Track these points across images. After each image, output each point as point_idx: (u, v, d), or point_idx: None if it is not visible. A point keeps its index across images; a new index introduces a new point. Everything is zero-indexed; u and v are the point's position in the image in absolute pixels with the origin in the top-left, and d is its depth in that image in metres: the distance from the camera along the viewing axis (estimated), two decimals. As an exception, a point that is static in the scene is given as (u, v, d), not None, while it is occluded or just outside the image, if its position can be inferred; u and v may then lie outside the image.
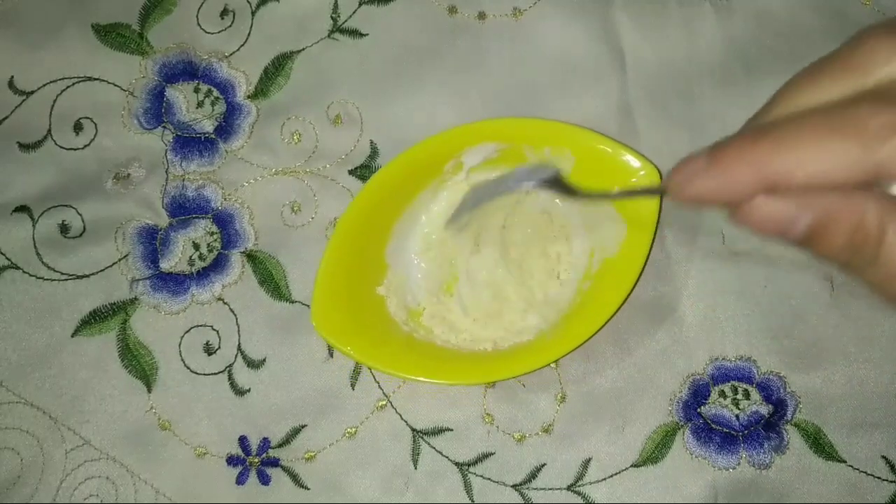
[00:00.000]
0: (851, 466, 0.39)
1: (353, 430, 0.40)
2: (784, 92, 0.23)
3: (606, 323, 0.37)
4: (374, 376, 0.40)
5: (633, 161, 0.38)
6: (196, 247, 0.42)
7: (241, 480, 0.40)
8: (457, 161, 0.40)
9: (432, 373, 0.37)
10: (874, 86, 0.21)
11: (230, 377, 0.40)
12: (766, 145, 0.21)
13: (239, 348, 0.41)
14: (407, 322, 0.39)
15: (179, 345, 0.41)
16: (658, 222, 0.38)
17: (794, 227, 0.22)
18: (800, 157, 0.20)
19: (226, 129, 0.43)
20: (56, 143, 0.43)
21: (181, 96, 0.43)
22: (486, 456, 0.40)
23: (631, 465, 0.39)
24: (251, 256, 0.42)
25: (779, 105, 0.23)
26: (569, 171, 0.39)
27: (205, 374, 0.41)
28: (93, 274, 0.41)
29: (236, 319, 0.41)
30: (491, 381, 0.40)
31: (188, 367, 0.41)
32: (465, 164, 0.40)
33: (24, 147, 0.43)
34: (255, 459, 0.40)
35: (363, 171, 0.42)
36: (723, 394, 0.40)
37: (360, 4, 0.44)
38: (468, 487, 0.39)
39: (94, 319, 0.41)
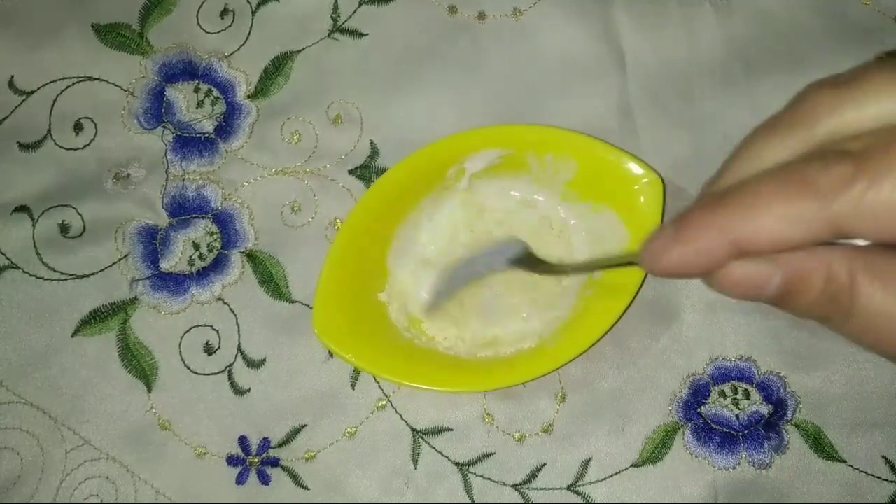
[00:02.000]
0: (851, 466, 0.39)
1: (353, 430, 0.40)
2: (739, 152, 0.24)
3: (608, 331, 0.37)
4: (374, 376, 0.40)
5: (636, 168, 0.38)
6: (196, 247, 0.42)
7: (241, 480, 0.40)
8: (459, 167, 0.40)
9: (433, 380, 0.37)
10: (821, 140, 0.22)
11: (230, 377, 0.40)
12: (727, 212, 0.22)
13: (239, 348, 0.41)
14: (408, 329, 0.39)
15: (179, 345, 0.41)
16: None
17: (766, 287, 0.22)
18: (759, 221, 0.21)
19: (226, 128, 0.43)
20: (56, 143, 0.43)
21: (181, 96, 0.43)
22: (486, 456, 0.40)
23: (631, 465, 0.39)
24: (251, 256, 0.42)
25: (735, 166, 0.24)
26: (571, 178, 0.39)
27: (205, 374, 0.41)
28: (93, 274, 0.41)
29: (236, 319, 0.41)
30: (492, 390, 0.39)
31: (188, 367, 0.41)
32: (468, 171, 0.40)
33: (24, 147, 0.43)
34: (255, 459, 0.40)
35: (363, 171, 0.42)
36: (723, 394, 0.40)
37: (360, 4, 0.44)
38: (468, 487, 0.39)
39: (94, 319, 0.41)
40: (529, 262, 0.36)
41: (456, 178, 0.40)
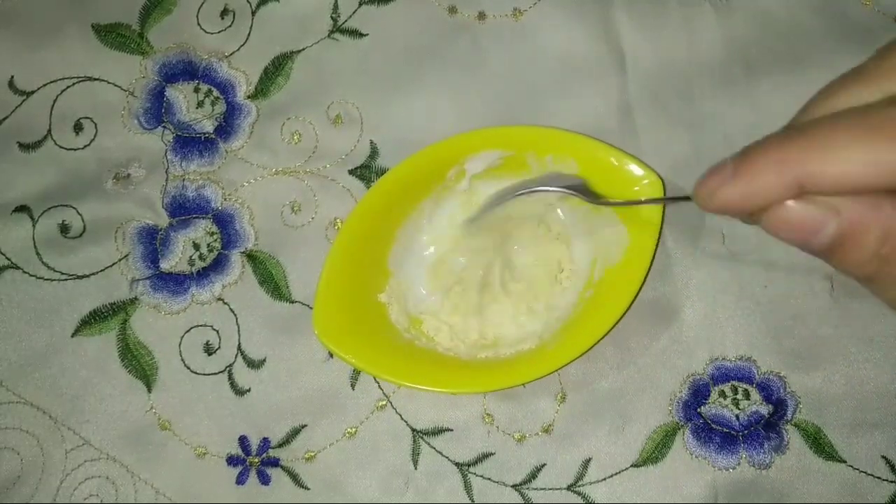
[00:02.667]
0: (851, 466, 0.39)
1: (353, 430, 0.40)
2: (816, 100, 0.23)
3: (608, 333, 0.37)
4: (374, 377, 0.40)
5: (637, 169, 0.38)
6: (196, 247, 0.42)
7: (241, 480, 0.40)
8: (459, 168, 0.40)
9: (433, 381, 0.37)
10: None
11: (230, 377, 0.40)
12: (795, 146, 0.21)
13: (239, 348, 0.41)
14: (408, 329, 0.39)
15: (179, 345, 0.41)
16: (661, 232, 0.38)
17: (819, 233, 0.21)
18: (829, 157, 0.20)
19: (226, 129, 0.43)
20: (56, 143, 0.43)
21: (181, 96, 0.43)
22: (486, 456, 0.40)
23: (631, 465, 0.39)
24: (251, 256, 0.42)
25: (810, 112, 0.23)
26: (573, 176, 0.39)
27: (205, 374, 0.41)
28: (93, 274, 0.41)
29: (236, 319, 0.41)
30: (492, 391, 0.39)
31: (188, 367, 0.41)
32: (468, 172, 0.40)
33: (24, 147, 0.43)
34: (255, 459, 0.40)
35: (363, 171, 0.42)
36: (723, 394, 0.40)
37: (360, 4, 0.44)
38: (468, 487, 0.39)
39: (94, 319, 0.41)
40: (582, 190, 0.36)
41: (456, 179, 0.40)
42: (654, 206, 0.37)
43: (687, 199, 0.26)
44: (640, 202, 0.37)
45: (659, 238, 0.38)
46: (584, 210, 0.40)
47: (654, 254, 0.38)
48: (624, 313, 0.37)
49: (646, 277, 0.38)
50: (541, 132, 0.39)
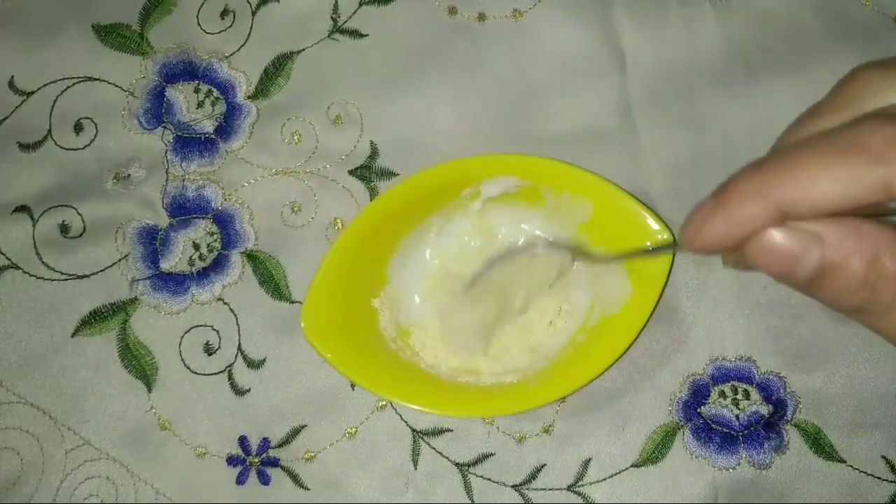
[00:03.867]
0: (851, 466, 0.39)
1: (353, 430, 0.40)
2: (786, 133, 0.23)
3: (591, 381, 0.37)
4: (349, 381, 0.40)
5: (653, 224, 0.37)
6: (196, 247, 0.42)
7: (241, 480, 0.40)
8: (475, 189, 0.39)
9: (409, 395, 0.37)
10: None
11: (230, 377, 0.40)
12: (771, 173, 0.20)
13: (239, 348, 0.41)
14: (395, 339, 0.39)
15: (179, 345, 0.41)
16: (664, 290, 0.37)
17: (803, 261, 0.21)
18: (806, 180, 0.20)
19: (226, 129, 0.43)
20: (56, 144, 0.43)
21: (181, 96, 0.43)
22: (486, 456, 0.40)
23: (631, 466, 0.39)
24: (251, 256, 0.42)
25: (782, 144, 0.23)
26: (585, 220, 0.39)
27: (205, 374, 0.41)
28: (93, 274, 0.41)
29: (236, 319, 0.41)
30: (463, 417, 0.39)
31: (188, 367, 0.41)
32: (483, 194, 0.39)
33: (25, 147, 0.43)
34: (255, 459, 0.40)
35: (363, 172, 0.42)
36: (723, 394, 0.40)
37: (360, 5, 0.44)
38: (468, 488, 0.39)
39: (94, 319, 0.41)
40: (576, 250, 0.36)
41: (471, 198, 0.40)
42: (662, 263, 0.37)
43: (671, 246, 0.25)
44: (622, 256, 0.36)
45: (662, 294, 0.37)
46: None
47: (655, 309, 0.37)
48: (611, 365, 0.37)
49: (638, 335, 0.37)
50: (563, 168, 0.38)
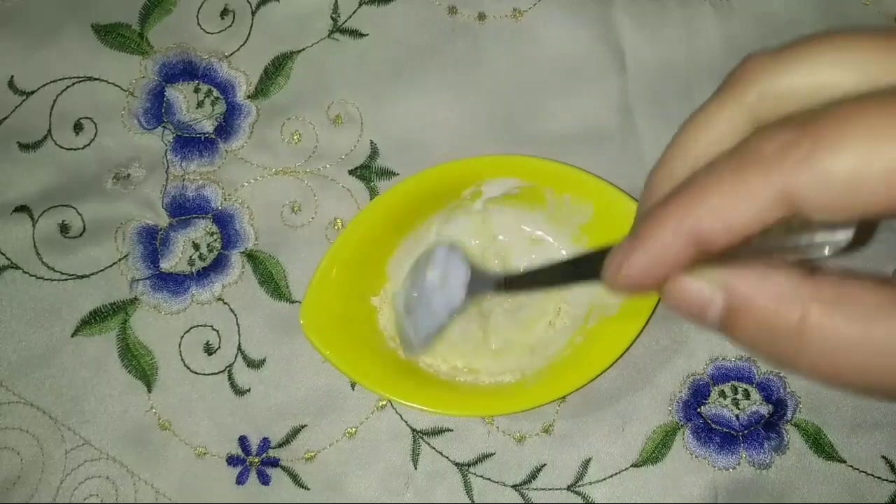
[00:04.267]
0: (851, 466, 0.39)
1: (353, 430, 0.40)
2: (672, 144, 0.23)
3: (590, 382, 0.37)
4: (349, 378, 0.40)
5: None
6: (196, 247, 0.42)
7: (241, 480, 0.40)
8: (476, 189, 0.39)
9: (406, 394, 0.37)
10: (754, 110, 0.21)
11: (230, 377, 0.40)
12: (680, 201, 0.20)
13: (239, 348, 0.41)
14: (394, 338, 0.39)
15: (179, 345, 0.41)
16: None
17: (709, 308, 0.21)
18: (712, 203, 0.20)
19: (226, 129, 0.43)
20: (56, 143, 0.43)
21: (181, 96, 0.43)
22: (486, 456, 0.40)
23: (631, 465, 0.39)
24: (251, 256, 0.42)
25: (669, 157, 0.23)
26: (586, 222, 0.39)
27: (205, 374, 0.41)
28: (93, 274, 0.41)
29: (236, 319, 0.41)
30: (461, 416, 0.39)
31: (188, 367, 0.41)
32: (485, 194, 0.39)
33: (24, 147, 0.43)
34: (255, 459, 0.40)
35: (363, 172, 0.42)
36: (723, 394, 0.40)
37: (360, 4, 0.44)
38: (468, 488, 0.39)
39: (94, 319, 0.41)
40: (481, 284, 0.32)
41: (471, 198, 0.40)
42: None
43: (595, 278, 0.24)
44: (551, 285, 0.31)
45: (659, 300, 0.37)
46: None
47: (653, 313, 0.37)
48: (608, 367, 0.37)
49: (639, 334, 0.37)
50: (564, 170, 0.38)
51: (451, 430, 0.40)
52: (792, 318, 0.19)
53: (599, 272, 0.24)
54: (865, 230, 0.22)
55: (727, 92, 0.22)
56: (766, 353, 0.21)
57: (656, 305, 0.37)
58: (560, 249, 0.40)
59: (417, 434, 0.40)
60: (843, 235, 0.22)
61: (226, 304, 0.41)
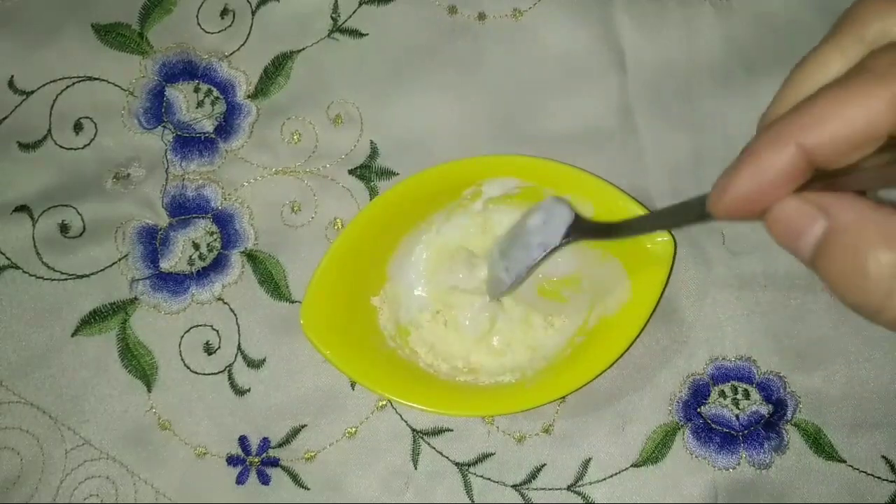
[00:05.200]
0: (851, 466, 0.39)
1: (353, 430, 0.40)
2: (792, 76, 0.23)
3: (588, 383, 0.37)
4: (349, 378, 0.40)
5: None
6: (196, 247, 0.42)
7: (241, 480, 0.40)
8: (476, 189, 0.39)
9: (406, 394, 0.37)
10: (870, 43, 0.21)
11: (230, 377, 0.40)
12: (785, 120, 0.20)
13: (239, 348, 0.41)
14: (394, 338, 0.39)
15: (179, 345, 0.41)
16: (663, 293, 0.37)
17: (807, 233, 0.21)
18: (822, 117, 0.20)
19: (226, 128, 0.43)
20: (56, 143, 0.43)
21: (181, 96, 0.43)
22: (486, 456, 0.40)
23: (631, 465, 0.39)
24: (251, 256, 0.42)
25: (788, 89, 0.23)
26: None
27: (205, 374, 0.41)
28: (93, 274, 0.41)
29: (236, 319, 0.41)
30: (461, 415, 0.39)
31: (188, 367, 0.41)
32: (485, 194, 0.39)
33: (24, 147, 0.43)
34: (255, 459, 0.40)
35: (363, 171, 0.42)
36: (723, 394, 0.40)
37: (360, 4, 0.44)
38: (468, 487, 0.39)
39: (94, 319, 0.41)
40: (582, 228, 0.34)
41: (472, 198, 0.40)
42: (663, 264, 0.37)
43: (701, 216, 0.24)
44: (640, 227, 0.35)
45: (660, 298, 0.37)
46: (592, 256, 0.39)
47: (653, 312, 0.37)
48: (608, 367, 0.37)
49: (637, 336, 0.37)
50: (564, 170, 0.38)
51: (451, 430, 0.40)
52: (885, 268, 0.19)
53: (700, 214, 0.24)
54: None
55: (842, 31, 0.22)
56: (852, 296, 0.20)
57: (656, 305, 0.37)
58: (561, 248, 0.40)
59: (417, 434, 0.40)
60: None
61: (226, 303, 0.41)
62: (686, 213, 0.27)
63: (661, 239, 0.37)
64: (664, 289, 0.37)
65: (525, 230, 0.36)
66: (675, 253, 0.37)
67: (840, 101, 0.20)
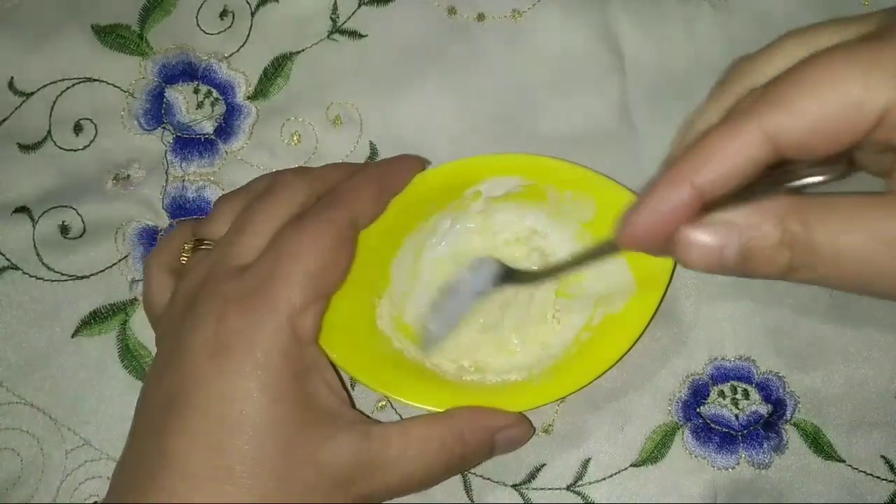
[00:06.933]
0: (850, 466, 0.39)
1: (353, 430, 0.40)
2: (686, 119, 0.27)
3: (595, 380, 0.37)
4: (354, 379, 0.40)
5: None
6: (196, 247, 0.42)
7: (240, 481, 0.40)
8: (478, 188, 0.39)
9: (415, 395, 0.36)
10: (738, 94, 0.25)
11: (230, 377, 0.40)
12: (674, 162, 0.24)
13: (239, 349, 0.41)
14: (399, 339, 0.39)
15: (179, 345, 0.41)
16: (668, 287, 0.37)
17: (726, 252, 0.24)
18: (702, 155, 0.23)
19: (225, 130, 0.43)
20: (56, 144, 0.43)
21: (181, 97, 0.43)
22: (485, 456, 0.40)
23: (630, 465, 0.39)
24: (251, 257, 0.42)
25: (685, 127, 0.27)
26: (589, 218, 0.39)
27: (205, 375, 0.40)
28: (93, 275, 0.41)
29: (236, 320, 0.41)
30: None
31: (188, 368, 0.41)
32: (487, 193, 0.39)
33: (24, 148, 0.43)
34: (254, 460, 0.40)
35: (363, 172, 0.42)
36: (722, 393, 0.40)
37: (359, 5, 0.45)
38: (467, 487, 0.39)
39: (93, 320, 0.41)
40: (511, 276, 0.36)
41: (473, 198, 0.40)
42: (665, 262, 0.37)
43: (612, 248, 0.29)
44: (577, 262, 0.35)
45: (665, 293, 0.37)
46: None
47: (658, 308, 0.37)
48: (615, 363, 0.37)
49: (644, 330, 0.37)
50: (565, 167, 0.38)
51: (451, 431, 0.40)
52: (799, 235, 0.22)
53: (613, 247, 0.28)
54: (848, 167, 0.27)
55: (719, 90, 0.26)
56: (785, 274, 0.24)
57: (661, 301, 0.37)
58: (563, 246, 0.40)
59: (417, 434, 0.40)
60: (827, 175, 0.24)
61: (225, 304, 0.41)
62: (602, 249, 0.31)
63: None
64: (669, 281, 0.37)
65: (456, 284, 0.38)
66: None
67: (720, 143, 0.23)
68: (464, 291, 0.37)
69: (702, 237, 0.24)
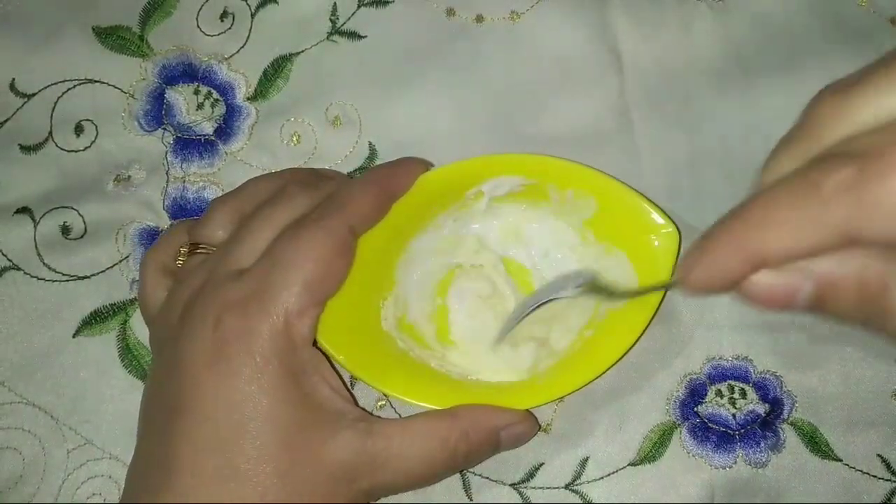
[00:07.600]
0: (847, 465, 0.39)
1: (353, 429, 0.40)
2: (763, 170, 0.24)
3: (600, 376, 0.37)
4: (363, 381, 0.40)
5: (658, 218, 0.37)
6: (196, 248, 0.42)
7: (241, 480, 0.40)
8: (479, 188, 0.39)
9: (420, 394, 0.36)
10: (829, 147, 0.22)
11: (230, 377, 0.41)
12: (740, 225, 0.22)
13: (239, 348, 0.41)
14: (404, 339, 0.39)
15: (180, 345, 0.41)
16: (669, 284, 0.37)
17: (797, 297, 0.22)
18: (770, 232, 0.21)
19: (225, 130, 0.43)
20: (57, 145, 0.43)
21: (181, 98, 0.44)
22: (484, 455, 0.40)
23: (628, 464, 0.39)
24: (251, 257, 0.42)
25: (765, 176, 0.24)
26: (590, 216, 0.39)
27: (205, 375, 0.41)
28: (94, 275, 0.42)
29: (236, 320, 0.41)
30: None
31: (189, 368, 0.41)
32: (489, 193, 0.39)
33: (26, 149, 0.43)
34: (255, 459, 0.40)
35: (362, 173, 0.43)
36: (719, 393, 0.40)
37: (358, 7, 0.45)
38: (466, 486, 0.39)
39: (94, 320, 0.41)
40: (596, 288, 0.36)
41: (475, 198, 0.40)
42: (668, 255, 0.37)
43: (670, 286, 0.29)
44: (641, 292, 0.36)
45: (667, 288, 0.37)
46: (599, 250, 0.39)
47: (661, 304, 0.37)
48: (619, 360, 0.37)
49: (647, 325, 0.37)
50: (567, 166, 0.38)
51: (450, 430, 0.40)
52: (878, 292, 0.21)
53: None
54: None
55: (804, 139, 0.23)
56: (857, 322, 0.23)
57: (664, 296, 0.37)
58: (565, 245, 0.40)
59: (416, 433, 0.40)
60: None
61: (226, 304, 0.41)
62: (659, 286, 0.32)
63: (665, 231, 0.37)
64: (671, 280, 0.37)
65: (548, 287, 0.38)
66: (680, 243, 0.37)
67: (792, 226, 0.21)
68: (544, 293, 0.38)
69: (772, 282, 0.23)
